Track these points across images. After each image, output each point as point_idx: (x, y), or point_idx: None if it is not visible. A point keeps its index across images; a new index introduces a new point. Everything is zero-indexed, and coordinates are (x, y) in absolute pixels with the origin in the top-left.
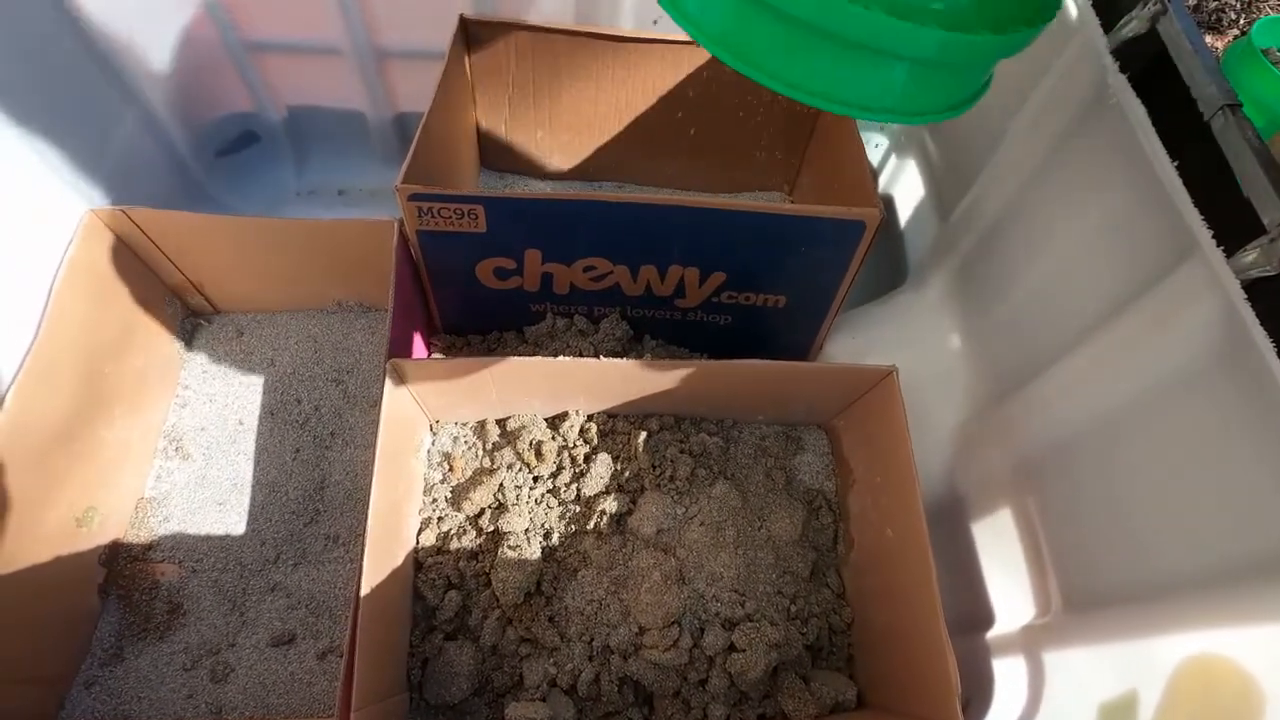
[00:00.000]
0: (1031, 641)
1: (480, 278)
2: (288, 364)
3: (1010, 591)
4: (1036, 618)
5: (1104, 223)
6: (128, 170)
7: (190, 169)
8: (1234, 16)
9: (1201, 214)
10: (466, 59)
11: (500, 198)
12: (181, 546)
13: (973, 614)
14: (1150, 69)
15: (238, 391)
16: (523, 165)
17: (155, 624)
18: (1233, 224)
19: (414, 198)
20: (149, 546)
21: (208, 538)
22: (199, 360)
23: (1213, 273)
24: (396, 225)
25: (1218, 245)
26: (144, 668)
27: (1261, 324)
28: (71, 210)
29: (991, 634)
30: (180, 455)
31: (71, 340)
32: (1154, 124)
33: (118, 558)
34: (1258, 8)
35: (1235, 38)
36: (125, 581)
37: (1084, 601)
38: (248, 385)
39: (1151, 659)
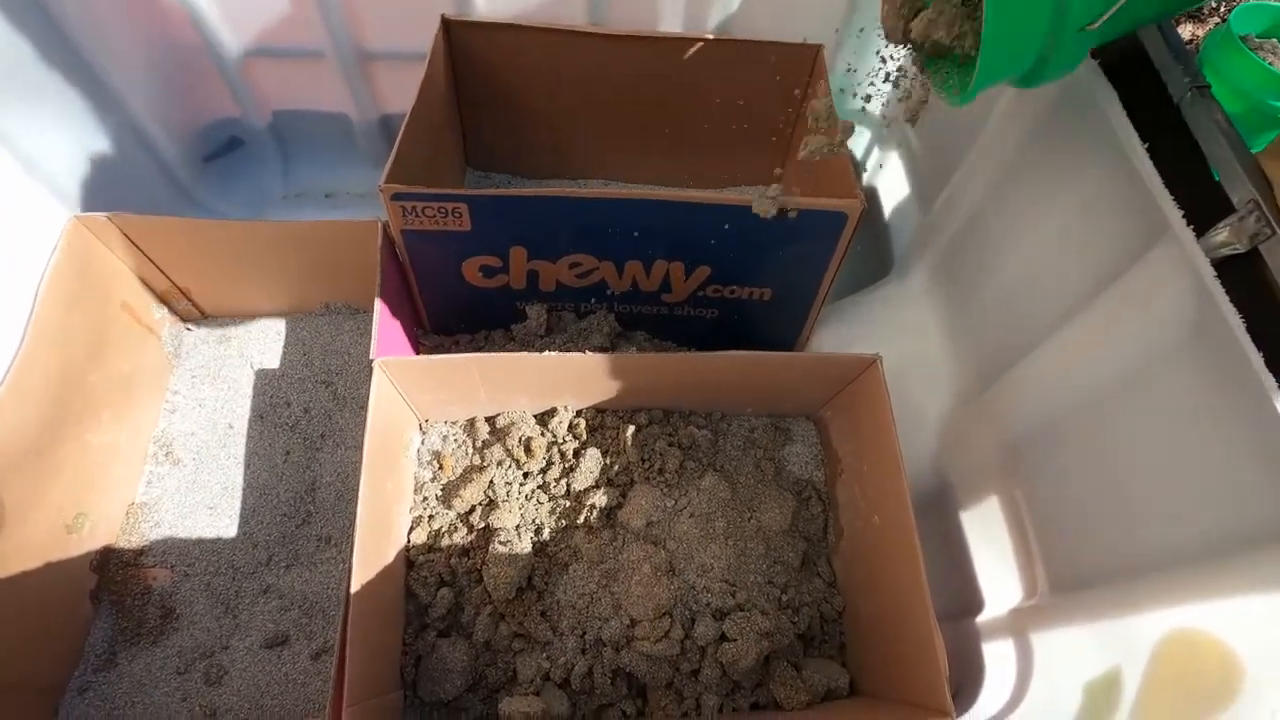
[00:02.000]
0: (1020, 624)
1: (466, 276)
2: (276, 367)
3: (998, 576)
4: (1024, 601)
5: (1080, 208)
6: (112, 176)
7: (176, 174)
8: (1215, 4)
9: (1172, 195)
10: (449, 59)
11: (484, 195)
12: (173, 551)
13: (962, 599)
14: (1121, 54)
15: (227, 395)
16: (507, 164)
17: (148, 628)
18: (1204, 204)
19: (397, 197)
20: (140, 551)
21: (199, 541)
22: (187, 365)
23: (1184, 253)
24: (381, 226)
25: (1189, 225)
26: (138, 672)
27: (1233, 301)
28: (56, 216)
29: (981, 618)
30: (170, 460)
31: (57, 347)
32: (1126, 108)
33: (109, 563)
34: None
35: (1216, 25)
36: (117, 587)
37: (1069, 583)
38: (237, 389)
39: (1135, 636)
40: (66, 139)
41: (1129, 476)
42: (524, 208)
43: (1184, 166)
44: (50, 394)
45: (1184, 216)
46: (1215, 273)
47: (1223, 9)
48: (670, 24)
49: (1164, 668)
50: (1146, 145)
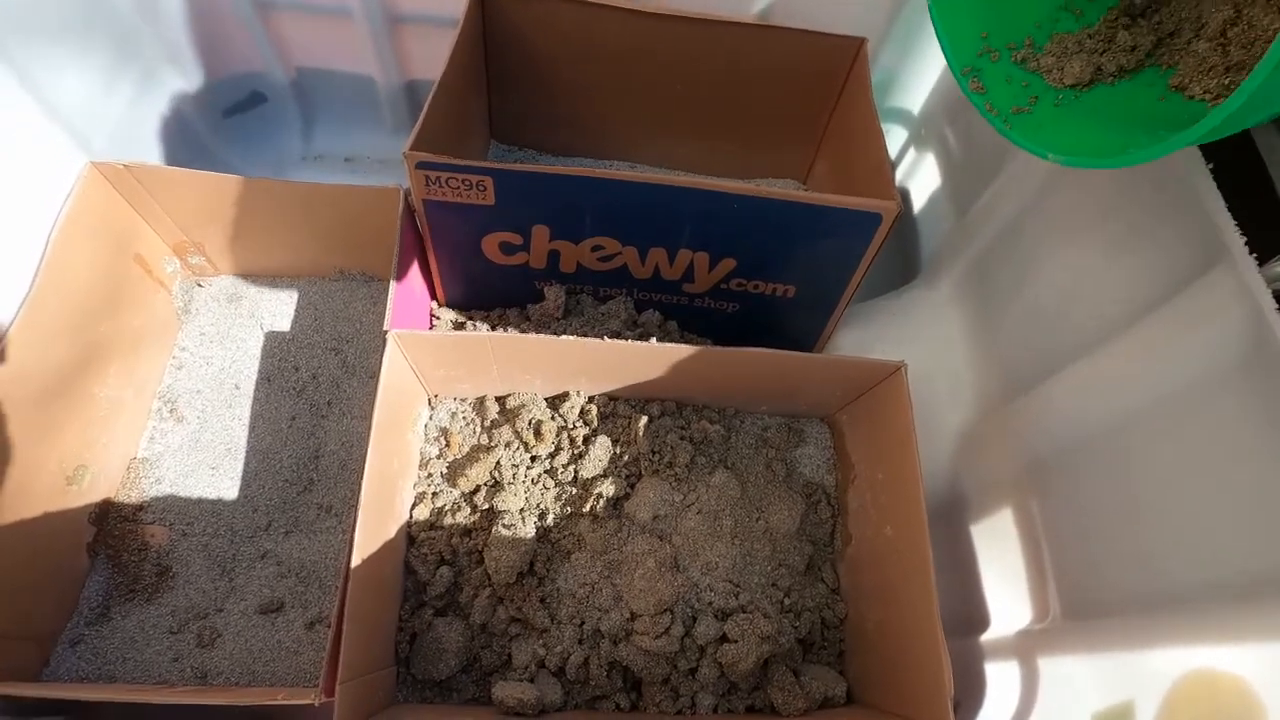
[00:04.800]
0: (1027, 647)
1: (486, 252)
2: (287, 330)
3: (1008, 595)
4: (1034, 623)
5: (1130, 225)
6: (130, 124)
7: (195, 127)
8: None
9: (1235, 219)
10: (481, 27)
11: (510, 170)
12: (172, 509)
13: (967, 616)
14: None
15: (235, 355)
16: (534, 139)
17: (143, 585)
18: (1268, 231)
19: (422, 165)
20: (140, 507)
21: (199, 501)
22: (197, 322)
23: (1242, 281)
24: (402, 194)
25: (1250, 253)
26: (130, 628)
27: None
28: (71, 161)
29: (985, 637)
30: (174, 417)
31: (67, 295)
32: None
33: (108, 517)
34: None
35: None
36: (115, 541)
37: (1085, 610)
38: (245, 350)
39: (1151, 670)
40: (85, 83)
41: (1159, 507)
42: (550, 185)
43: (1249, 190)
44: (58, 342)
45: (1246, 243)
46: (1277, 304)
47: None
48: (712, 5)
49: (1181, 708)
50: (1210, 165)
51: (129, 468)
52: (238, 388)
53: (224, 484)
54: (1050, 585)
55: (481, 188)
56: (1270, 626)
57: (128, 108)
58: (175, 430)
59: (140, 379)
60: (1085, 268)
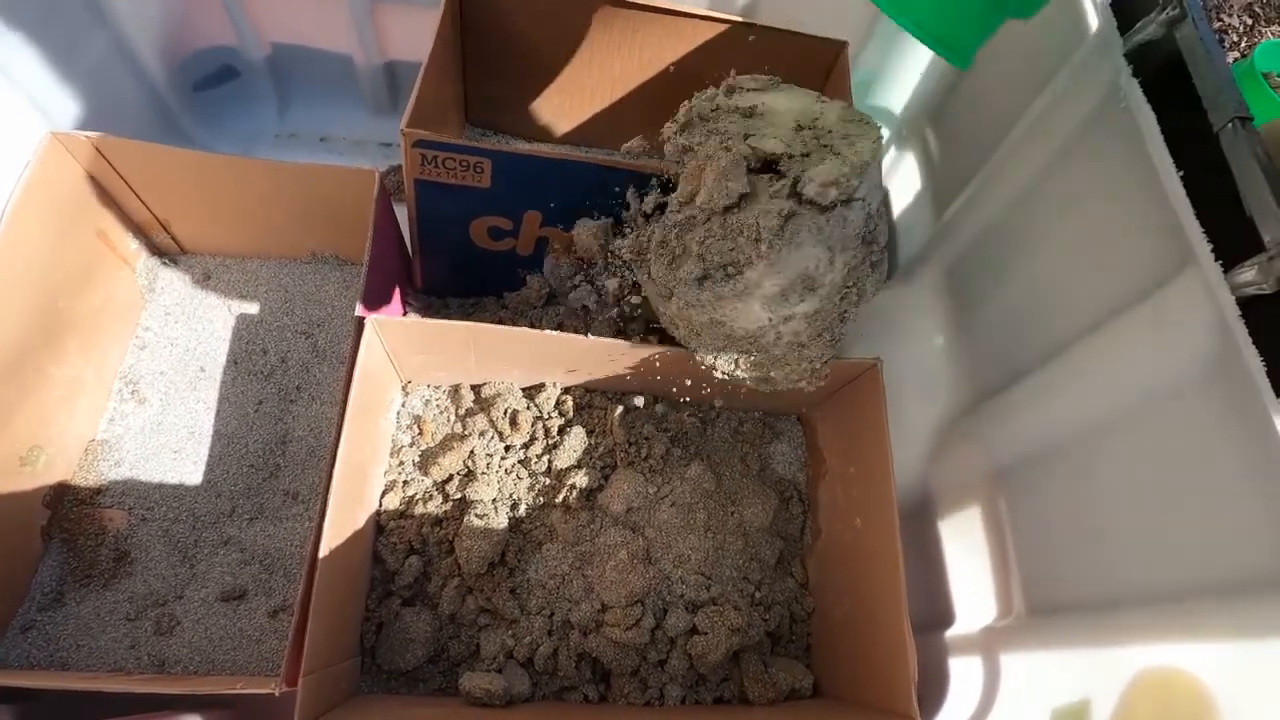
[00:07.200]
0: (990, 642)
1: (473, 236)
2: (256, 313)
3: (973, 592)
4: (997, 619)
5: (1103, 229)
6: (95, 94)
7: (164, 100)
8: (1236, 39)
9: (1202, 227)
10: (459, 7)
11: (510, 154)
12: (132, 493)
13: (932, 612)
14: (1163, 75)
15: (201, 337)
16: (508, 124)
17: (100, 571)
18: (1232, 239)
19: (420, 144)
20: (98, 491)
21: (160, 486)
22: (162, 302)
23: (1208, 287)
24: (377, 176)
25: (1216, 260)
26: (85, 615)
27: (1254, 343)
28: (31, 130)
29: (950, 633)
30: (136, 399)
31: (23, 269)
32: (1163, 133)
33: (63, 500)
34: (1260, 32)
35: (1236, 60)
36: (70, 525)
37: (1047, 607)
38: (212, 331)
39: (1109, 668)
40: (46, 49)
41: (1122, 508)
42: (550, 171)
43: (1216, 197)
44: (12, 319)
45: (1212, 250)
46: (1239, 311)
47: (1244, 44)
48: (696, 1)
49: (1137, 705)
50: (1181, 173)
51: (87, 450)
52: (203, 370)
53: (186, 468)
54: (1015, 582)
55: (478, 170)
56: (1226, 627)
57: (92, 77)
58: (137, 412)
59: (100, 359)
60: (1058, 272)
